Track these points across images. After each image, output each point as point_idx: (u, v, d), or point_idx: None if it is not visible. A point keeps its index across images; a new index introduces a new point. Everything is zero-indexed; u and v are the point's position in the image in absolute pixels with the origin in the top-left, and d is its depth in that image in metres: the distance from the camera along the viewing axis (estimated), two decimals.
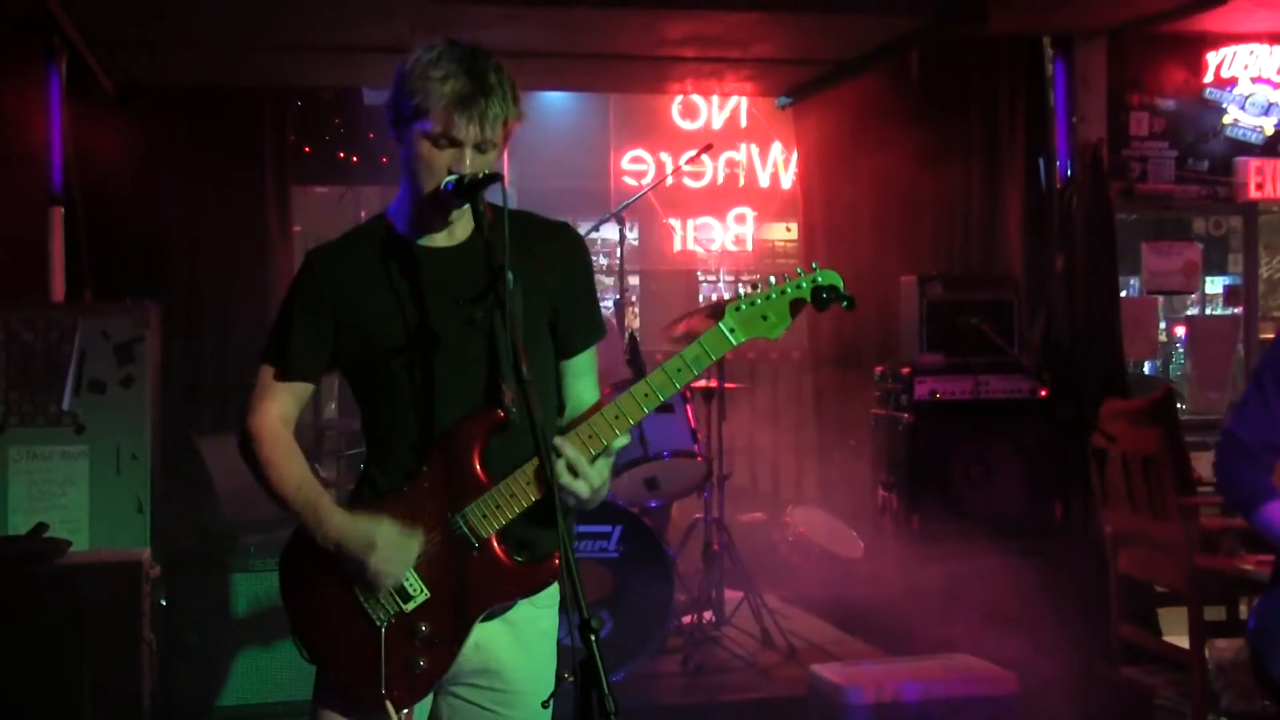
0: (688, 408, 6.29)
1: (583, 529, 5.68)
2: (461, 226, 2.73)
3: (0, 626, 4.93)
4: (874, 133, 7.85)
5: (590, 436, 2.64)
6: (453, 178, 2.60)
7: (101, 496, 5.84)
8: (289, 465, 2.73)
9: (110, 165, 6.90)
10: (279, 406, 2.77)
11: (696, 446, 6.21)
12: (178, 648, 5.37)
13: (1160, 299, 9.14)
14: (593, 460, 2.65)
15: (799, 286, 2.67)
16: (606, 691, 2.25)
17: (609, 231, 8.14)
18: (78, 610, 5.02)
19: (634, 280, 10.29)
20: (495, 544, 2.65)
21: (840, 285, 2.67)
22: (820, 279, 2.67)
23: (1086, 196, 7.17)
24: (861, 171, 8.05)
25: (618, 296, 8.10)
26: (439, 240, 2.73)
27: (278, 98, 7.58)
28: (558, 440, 2.61)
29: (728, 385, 6.68)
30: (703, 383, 6.71)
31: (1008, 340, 6.96)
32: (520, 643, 2.78)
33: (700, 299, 10.81)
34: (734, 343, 2.66)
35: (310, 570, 2.69)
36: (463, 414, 2.66)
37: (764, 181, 10.93)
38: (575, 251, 2.83)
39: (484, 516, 2.64)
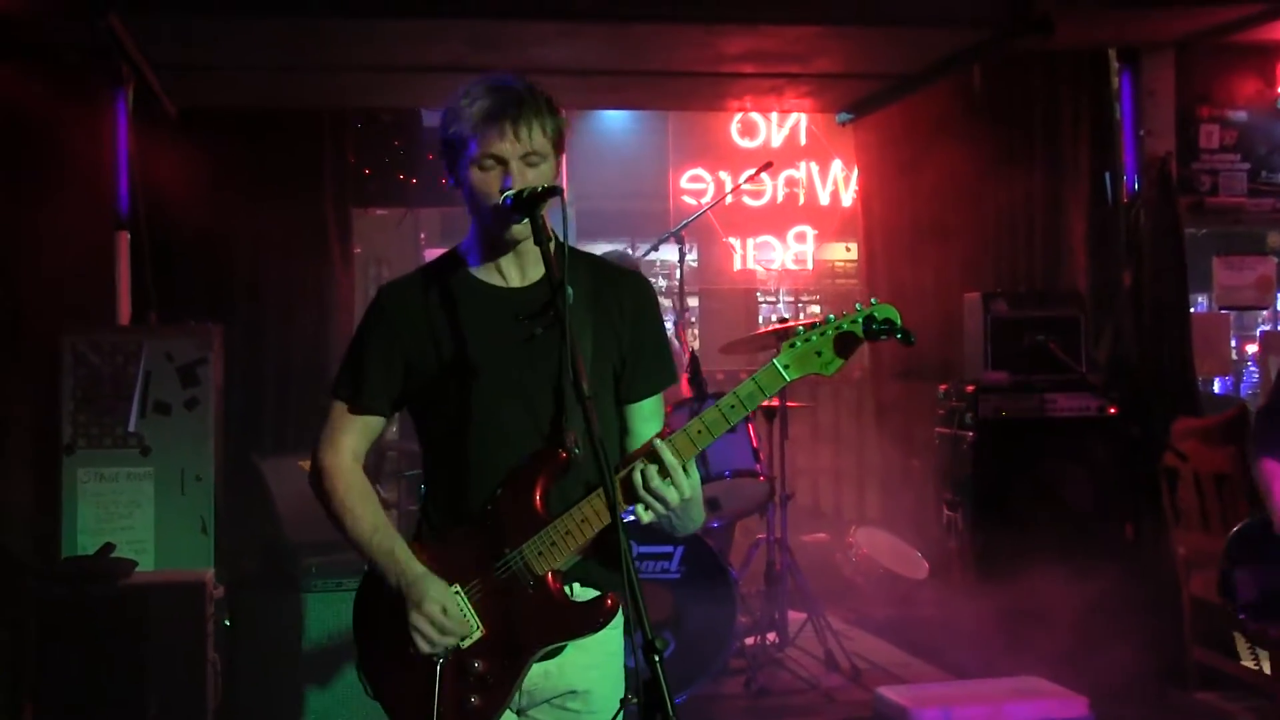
0: (749, 426, 6.24)
1: (644, 550, 5.65)
2: (533, 268, 2.73)
3: (68, 645, 4.97)
4: (936, 148, 7.78)
5: (674, 448, 2.59)
6: (510, 192, 2.59)
7: (166, 517, 5.89)
8: (364, 509, 2.76)
9: (174, 189, 6.98)
10: (351, 442, 2.80)
11: (759, 466, 6.16)
12: (241, 668, 5.38)
13: (1232, 315, 8.97)
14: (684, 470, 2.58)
15: (854, 321, 2.60)
16: (670, 714, 2.21)
17: (668, 252, 8.13)
18: (143, 630, 5.05)
19: (693, 301, 10.26)
20: (551, 582, 2.64)
21: (897, 320, 2.60)
22: (876, 314, 2.60)
23: (1154, 211, 7.05)
24: (923, 187, 7.98)
25: (677, 316, 8.07)
26: (511, 280, 2.74)
27: (337, 120, 7.64)
28: (654, 441, 2.57)
29: (789, 404, 6.62)
30: (764, 401, 6.66)
31: (1074, 358, 6.86)
32: (594, 663, 2.76)
33: (760, 319, 10.77)
34: (787, 379, 2.61)
35: (378, 605, 2.70)
36: (522, 451, 2.67)
37: (824, 199, 10.87)
38: (645, 299, 2.82)
39: (540, 554, 2.62)
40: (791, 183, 10.84)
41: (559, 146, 2.68)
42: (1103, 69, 7.36)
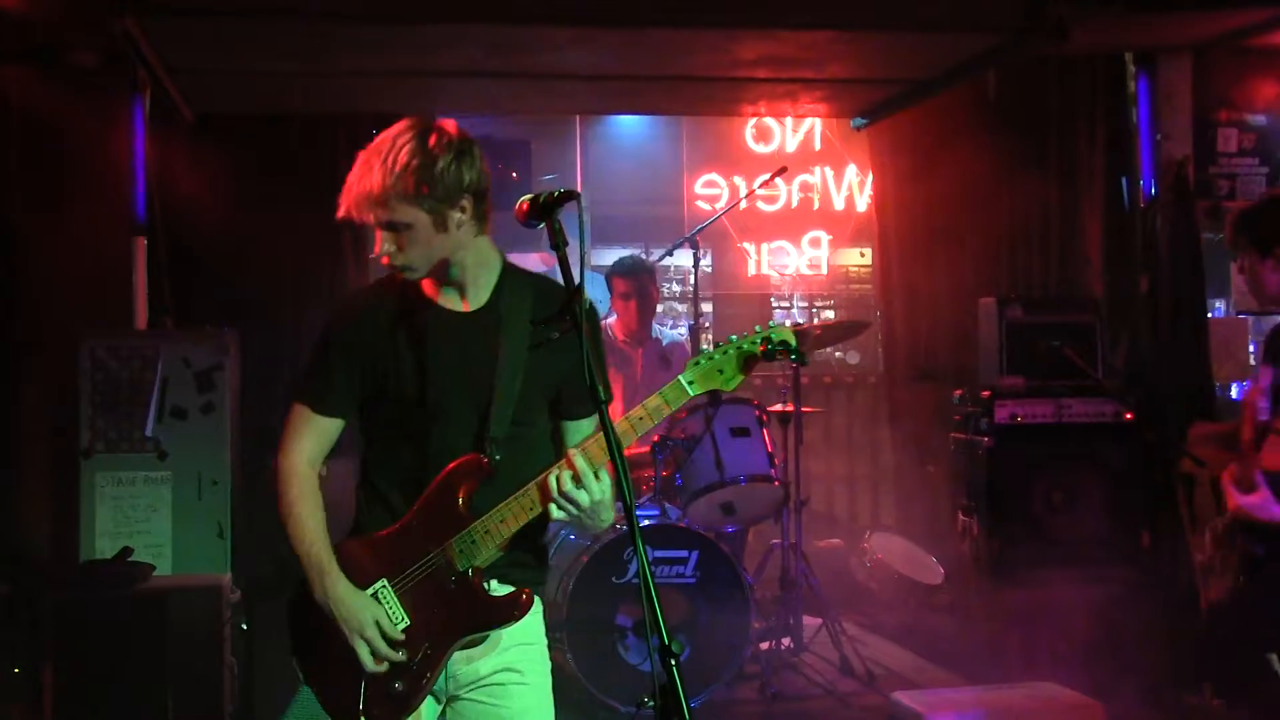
0: (764, 432, 6.25)
1: (659, 554, 5.66)
2: (482, 291, 2.96)
3: (86, 649, 5.00)
4: (951, 153, 7.77)
5: (587, 455, 2.80)
6: (527, 197, 2.67)
7: (184, 522, 5.91)
8: (311, 518, 2.95)
9: (191, 194, 7.00)
10: (309, 445, 2.99)
11: (773, 471, 6.16)
12: (258, 671, 5.40)
13: (1250, 320, 8.93)
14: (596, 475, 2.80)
15: (753, 342, 2.86)
16: (686, 717, 2.22)
17: (683, 257, 8.13)
18: (161, 633, 5.07)
19: (707, 306, 10.26)
20: (471, 577, 2.87)
21: (792, 342, 2.86)
22: (773, 335, 2.86)
23: (1171, 215, 7.03)
24: (938, 192, 7.97)
25: (692, 322, 8.07)
26: (458, 304, 2.96)
27: (353, 125, 7.64)
28: (570, 451, 2.80)
29: (804, 409, 6.62)
30: (779, 406, 6.67)
31: (1090, 363, 6.84)
32: (519, 643, 2.99)
33: (773, 324, 10.76)
34: (690, 394, 2.84)
35: (312, 601, 2.92)
36: (453, 459, 2.89)
37: (838, 204, 10.86)
38: (588, 322, 2.92)
39: (460, 552, 2.85)
40: (806, 188, 10.83)
41: (443, 200, 2.82)
42: (1119, 73, 7.34)
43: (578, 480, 2.76)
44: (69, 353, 5.97)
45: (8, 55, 6.32)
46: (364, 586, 2.89)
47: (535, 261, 10.15)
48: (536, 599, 3.00)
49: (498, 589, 2.91)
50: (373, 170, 2.81)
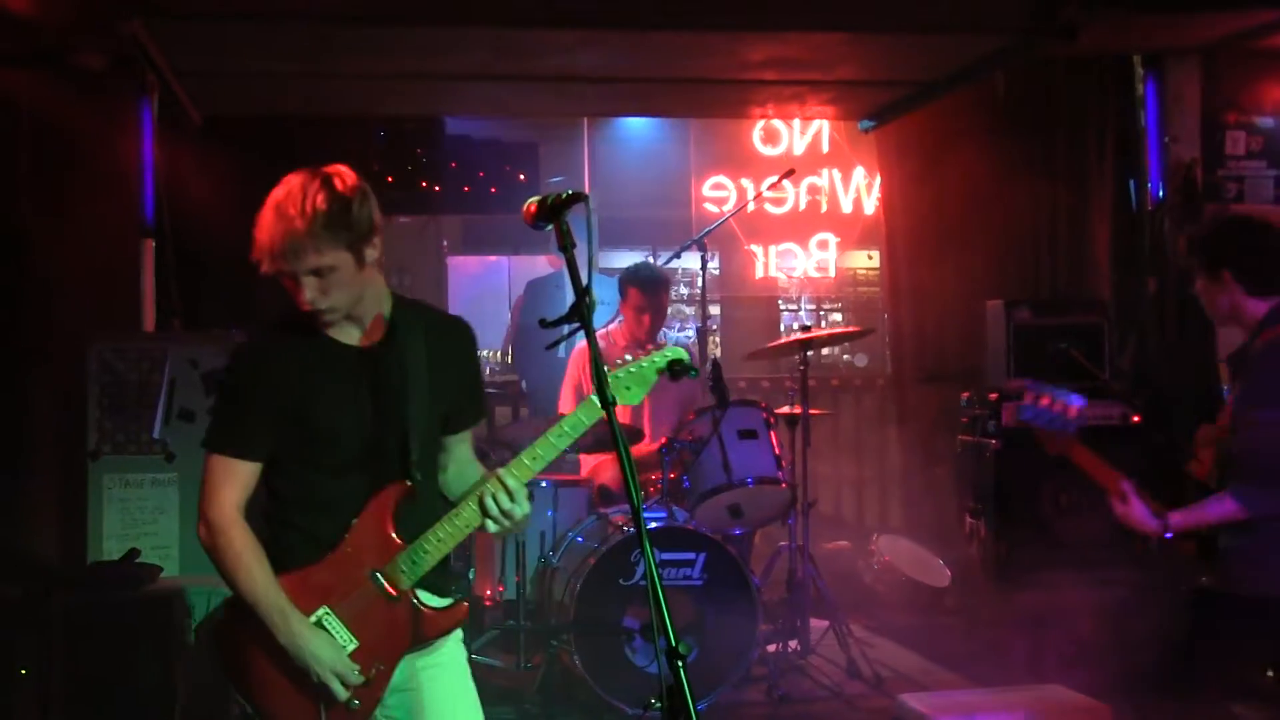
0: (772, 434, 6.24)
1: (666, 556, 5.66)
2: (380, 324, 3.09)
3: (94, 650, 5.00)
4: (959, 155, 7.76)
5: (512, 474, 2.99)
6: (535, 199, 2.68)
7: (191, 523, 5.80)
8: (258, 565, 3.00)
9: (198, 197, 7.01)
10: (237, 494, 3.03)
11: (781, 473, 6.16)
12: None
13: None
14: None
15: (654, 361, 3.08)
16: (693, 717, 2.22)
17: (690, 260, 8.12)
18: (168, 635, 5.08)
19: (714, 309, 10.24)
20: (410, 596, 3.04)
21: (686, 359, 3.08)
22: (670, 354, 3.08)
23: (1179, 218, 7.03)
24: (946, 194, 7.96)
25: (699, 325, 8.07)
26: (356, 339, 3.08)
27: (361, 128, 7.67)
28: (499, 472, 2.98)
29: (811, 411, 6.62)
30: (786, 409, 6.66)
31: (1098, 365, 6.83)
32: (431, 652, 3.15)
33: (781, 327, 10.76)
34: (599, 411, 2.91)
35: (253, 635, 2.98)
36: (370, 486, 3.03)
37: (846, 207, 10.85)
38: (469, 345, 3.26)
39: (401, 572, 3.01)
40: (814, 190, 10.82)
41: (361, 239, 2.97)
42: (1128, 75, 7.34)
43: (512, 497, 2.95)
44: (77, 355, 5.97)
45: (17, 59, 6.33)
46: (308, 614, 2.99)
47: (543, 264, 10.15)
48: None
49: (430, 600, 3.08)
50: (292, 219, 2.88)
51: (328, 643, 2.96)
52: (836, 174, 10.82)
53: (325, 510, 3.04)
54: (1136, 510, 3.90)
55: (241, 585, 2.98)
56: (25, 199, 6.38)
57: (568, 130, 10.39)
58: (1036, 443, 4.12)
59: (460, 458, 3.29)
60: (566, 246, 2.60)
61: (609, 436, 2.56)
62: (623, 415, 6.52)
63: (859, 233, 10.90)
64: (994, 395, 6.79)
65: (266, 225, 2.92)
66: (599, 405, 2.87)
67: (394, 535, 3.02)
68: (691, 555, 5.69)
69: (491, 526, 2.99)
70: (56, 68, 6.39)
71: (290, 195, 2.92)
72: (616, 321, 6.93)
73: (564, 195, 2.62)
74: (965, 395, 7.18)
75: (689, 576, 5.69)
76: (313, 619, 2.98)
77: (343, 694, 2.95)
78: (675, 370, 3.05)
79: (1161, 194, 7.15)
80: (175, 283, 6.93)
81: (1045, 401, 3.98)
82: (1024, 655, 5.99)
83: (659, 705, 2.31)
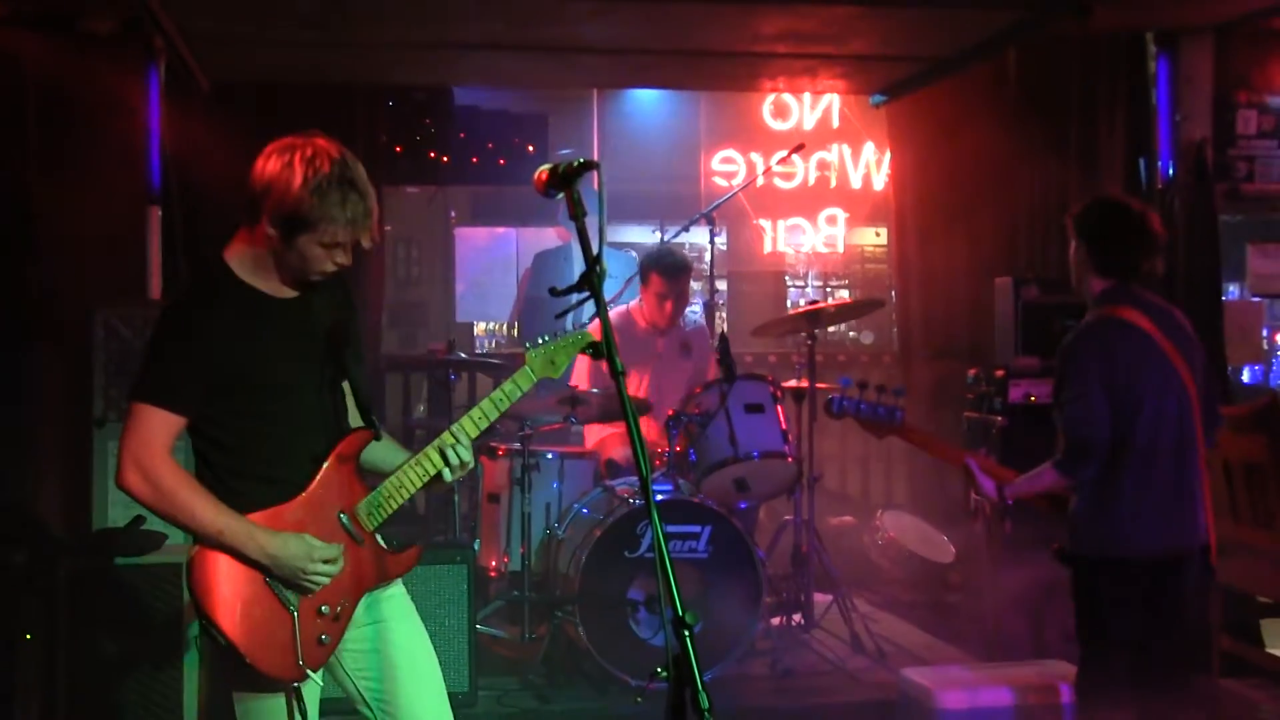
0: (778, 409, 6.24)
1: (672, 529, 5.66)
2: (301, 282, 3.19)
3: (99, 617, 5.02)
4: (970, 131, 7.73)
5: (480, 418, 3.24)
6: (546, 167, 2.68)
7: None
8: (200, 499, 3.05)
9: (205, 164, 6.98)
10: (165, 441, 3.07)
11: (787, 448, 6.16)
12: None
13: (1265, 303, 8.88)
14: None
15: (578, 339, 3.32)
16: (700, 688, 2.22)
17: (698, 234, 8.10)
18: (174, 602, 5.09)
19: (722, 285, 10.23)
20: (374, 538, 3.23)
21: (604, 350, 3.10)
22: (584, 338, 3.31)
23: (1189, 197, 6.98)
24: (956, 170, 7.93)
25: (707, 299, 8.05)
26: (285, 291, 3.19)
27: (370, 98, 7.64)
28: (452, 428, 3.20)
29: (819, 385, 6.61)
30: (793, 383, 6.66)
31: None
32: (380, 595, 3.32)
33: (789, 304, 10.74)
34: (534, 379, 3.31)
35: (230, 569, 3.06)
36: (332, 435, 3.19)
37: (855, 183, 10.83)
38: (349, 293, 3.41)
39: (368, 515, 3.19)
40: (823, 165, 10.80)
41: None
42: (1139, 54, 7.28)
43: (469, 448, 3.21)
44: (83, 322, 5.96)
45: (24, 21, 6.29)
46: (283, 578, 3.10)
47: (551, 236, 10.14)
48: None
49: (392, 544, 3.29)
50: (369, 193, 3.10)
51: (295, 540, 3.06)
52: (846, 149, 10.80)
53: (284, 457, 3.14)
54: (980, 481, 4.40)
55: (198, 520, 3.03)
56: (32, 165, 6.35)
57: (577, 102, 10.37)
58: (865, 430, 4.66)
59: (351, 409, 3.38)
60: (578, 215, 2.60)
61: (617, 408, 2.56)
62: (638, 390, 6.55)
63: (868, 209, 10.88)
64: (1001, 372, 6.78)
65: (344, 198, 3.04)
66: (531, 374, 3.27)
67: (359, 479, 3.21)
68: (697, 528, 5.70)
69: (448, 473, 3.20)
70: (64, 32, 6.35)
71: (352, 166, 3.10)
72: (634, 301, 6.90)
73: (576, 163, 2.62)
74: (972, 372, 7.16)
75: (694, 550, 5.69)
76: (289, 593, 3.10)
77: (327, 580, 3.09)
78: (597, 352, 3.04)
79: (1172, 173, 7.10)
80: (182, 250, 6.91)
81: (868, 395, 4.56)
82: (1027, 631, 6.00)
83: (665, 675, 2.30)
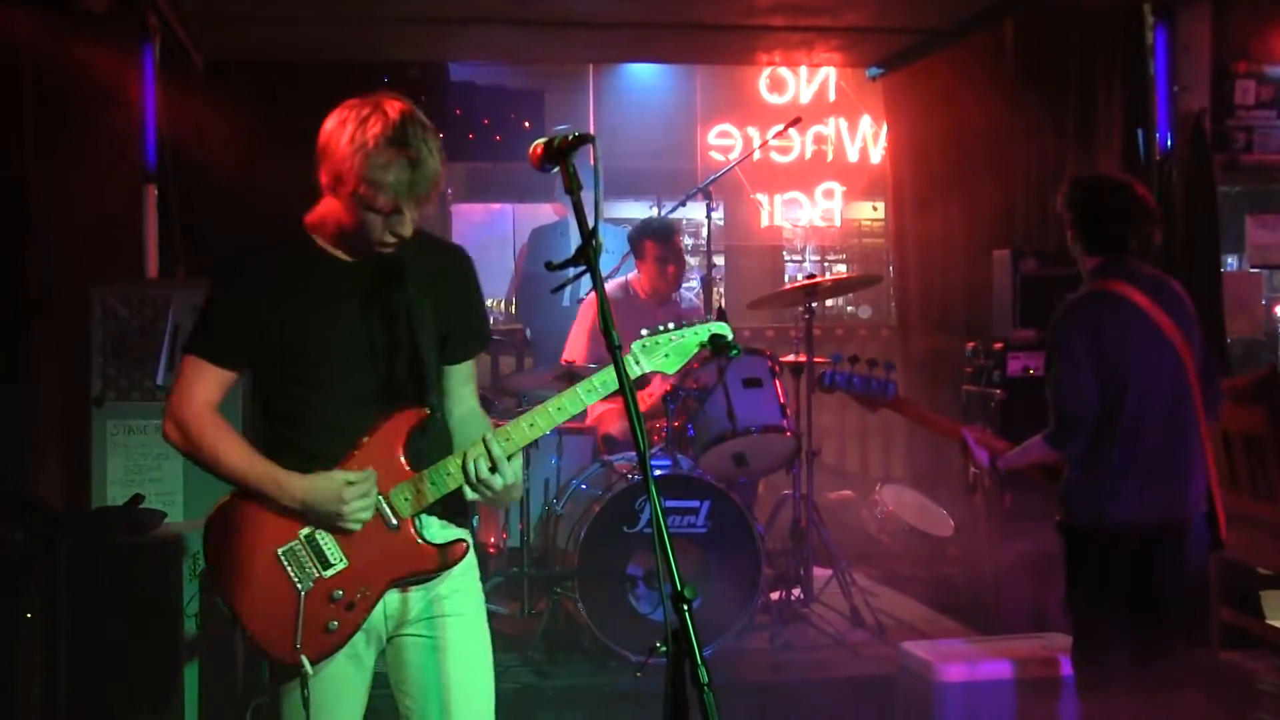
0: (776, 383, 6.23)
1: (670, 504, 5.66)
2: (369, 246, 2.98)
3: (99, 596, 5.02)
4: (967, 104, 7.70)
5: (508, 439, 2.93)
6: (541, 141, 2.66)
7: (195, 470, 5.81)
8: (230, 444, 2.97)
9: (201, 142, 6.97)
10: (205, 393, 3.00)
11: (785, 422, 6.16)
12: None
13: (1264, 274, 8.87)
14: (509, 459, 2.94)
15: (696, 333, 3.04)
16: (699, 662, 2.22)
17: (695, 209, 8.09)
18: (174, 580, 5.10)
19: (719, 260, 10.22)
20: (410, 525, 2.98)
21: (729, 335, 3.06)
22: (715, 329, 3.05)
23: (1187, 169, 6.96)
24: (952, 143, 7.91)
25: (704, 274, 8.04)
26: (353, 255, 3.01)
27: (365, 75, 7.58)
28: (485, 437, 2.91)
29: (817, 360, 6.60)
30: (791, 358, 6.65)
31: None
32: (453, 577, 3.09)
33: (786, 278, 10.73)
34: (636, 372, 3.00)
35: (241, 536, 2.96)
36: (380, 409, 2.97)
37: (852, 156, 10.80)
38: (466, 267, 3.18)
39: (405, 499, 2.95)
40: (820, 139, 10.77)
41: None
42: (1137, 24, 7.24)
43: (493, 467, 2.90)
44: (80, 301, 5.95)
45: None
46: (302, 525, 2.94)
47: (547, 212, 10.12)
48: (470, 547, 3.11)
49: (434, 535, 3.03)
50: (428, 160, 2.86)
51: (324, 479, 2.91)
52: (843, 123, 10.78)
53: (325, 429, 2.98)
54: (975, 452, 4.48)
55: (225, 466, 2.95)
56: (27, 145, 6.33)
57: (573, 78, 10.34)
58: (858, 404, 4.65)
59: (464, 401, 3.20)
60: (573, 189, 2.58)
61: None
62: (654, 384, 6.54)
63: (865, 183, 10.86)
64: (999, 345, 6.77)
65: (403, 165, 2.84)
66: (632, 366, 2.96)
67: (404, 461, 2.97)
68: (695, 503, 5.70)
69: (469, 493, 2.96)
70: (59, 11, 6.31)
71: (413, 132, 2.87)
72: (633, 273, 6.89)
73: (571, 137, 2.60)
74: (970, 345, 7.16)
75: (693, 524, 5.70)
76: (305, 531, 2.94)
77: (366, 518, 2.91)
78: (717, 346, 3.01)
79: (1170, 144, 7.08)
80: (179, 228, 6.90)
81: (859, 368, 4.54)
82: (1027, 604, 6.01)
83: (664, 650, 2.31)
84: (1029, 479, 4.53)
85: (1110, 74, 7.27)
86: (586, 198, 2.59)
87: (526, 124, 8.83)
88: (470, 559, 3.13)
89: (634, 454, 5.86)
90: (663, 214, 7.47)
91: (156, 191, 6.74)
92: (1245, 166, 7.23)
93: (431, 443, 3.02)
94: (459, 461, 2.92)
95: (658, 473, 5.79)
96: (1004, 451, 4.46)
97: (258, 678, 5.36)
